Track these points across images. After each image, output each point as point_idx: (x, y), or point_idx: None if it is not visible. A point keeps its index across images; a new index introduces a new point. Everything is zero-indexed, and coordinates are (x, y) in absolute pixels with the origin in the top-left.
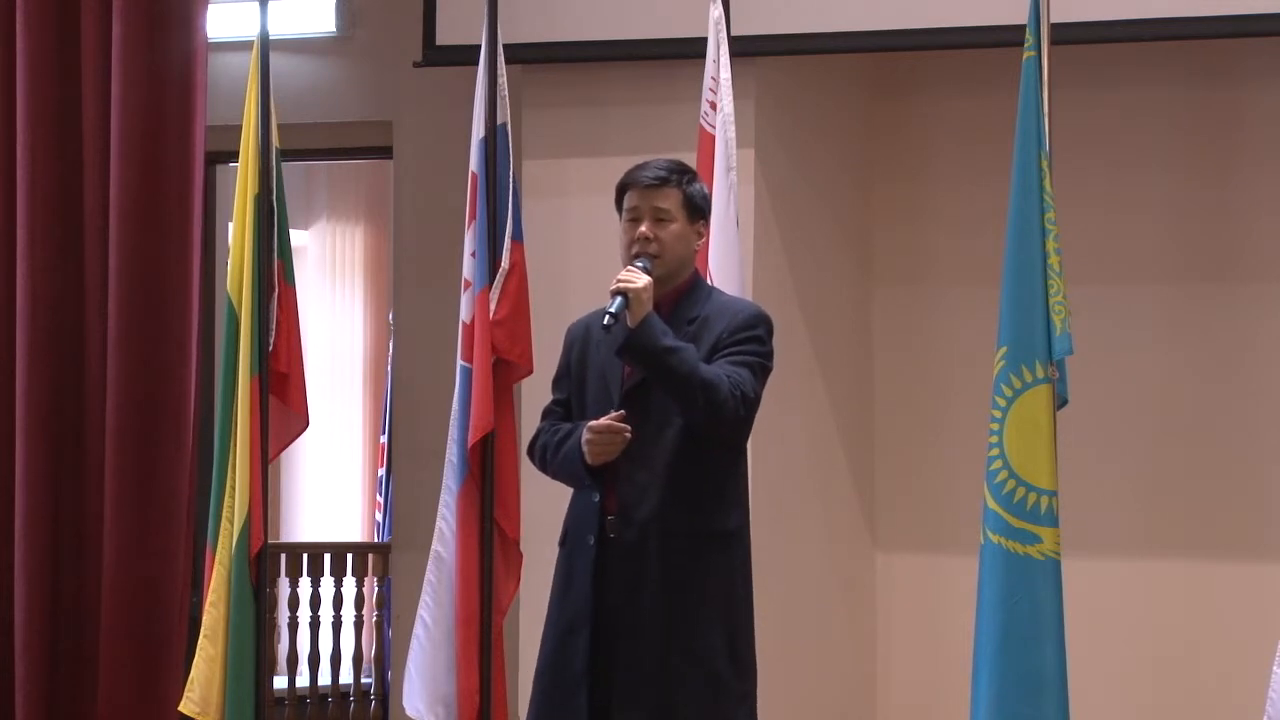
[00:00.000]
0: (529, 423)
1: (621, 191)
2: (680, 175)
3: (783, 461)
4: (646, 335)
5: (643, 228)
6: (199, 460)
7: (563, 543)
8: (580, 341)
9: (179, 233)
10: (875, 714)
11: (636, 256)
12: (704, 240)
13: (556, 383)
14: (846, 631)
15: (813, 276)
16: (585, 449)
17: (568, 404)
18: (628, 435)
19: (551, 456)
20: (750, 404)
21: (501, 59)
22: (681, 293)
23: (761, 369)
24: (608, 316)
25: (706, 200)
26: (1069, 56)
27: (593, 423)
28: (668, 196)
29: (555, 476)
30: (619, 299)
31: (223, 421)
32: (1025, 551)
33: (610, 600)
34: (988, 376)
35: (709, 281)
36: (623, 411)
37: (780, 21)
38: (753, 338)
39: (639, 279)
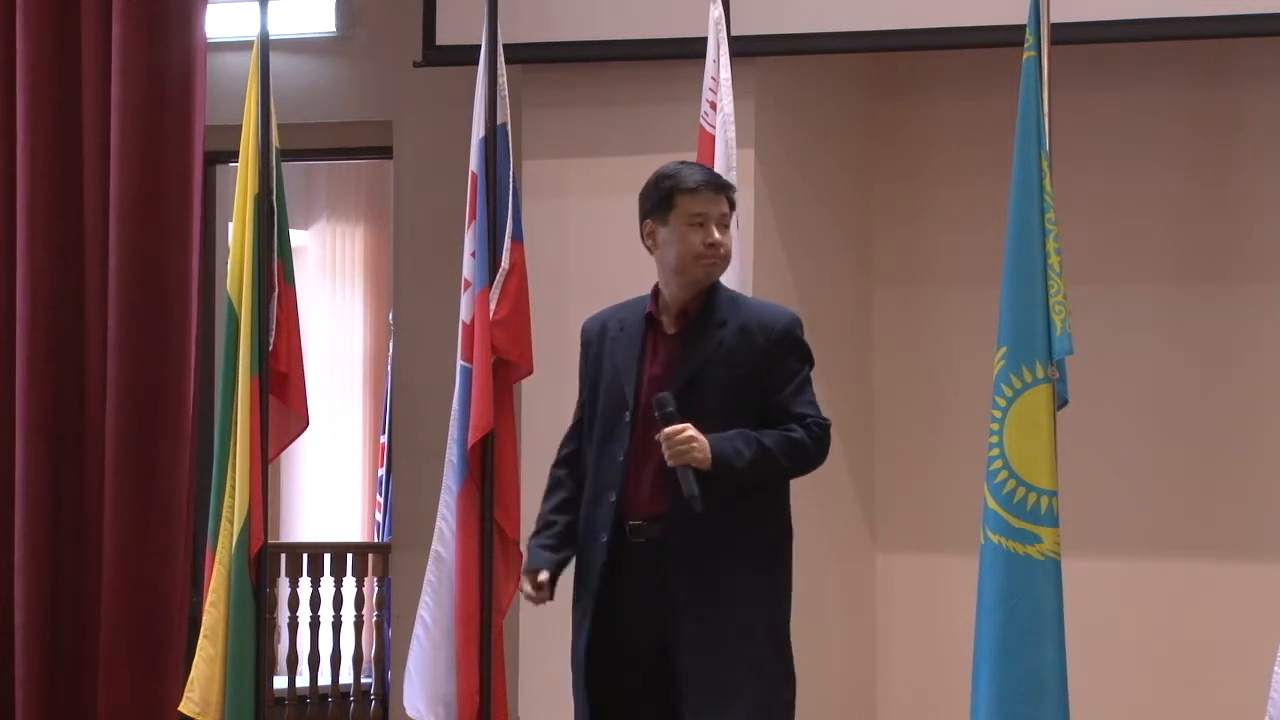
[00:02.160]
0: (529, 423)
1: (673, 193)
2: (729, 185)
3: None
4: (728, 473)
5: (716, 234)
6: (199, 460)
7: (579, 540)
8: (595, 341)
9: (179, 233)
10: (875, 714)
11: (704, 260)
12: None
13: (580, 388)
14: (846, 631)
15: (813, 276)
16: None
17: (584, 409)
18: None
19: (538, 521)
20: (826, 427)
21: (501, 59)
22: (706, 295)
23: (810, 377)
24: (693, 500)
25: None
26: (1069, 56)
27: (525, 584)
28: (726, 204)
29: None
30: (690, 474)
31: (223, 421)
32: (1025, 551)
33: (640, 602)
34: (988, 377)
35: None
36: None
37: (780, 21)
38: (799, 354)
39: (698, 447)
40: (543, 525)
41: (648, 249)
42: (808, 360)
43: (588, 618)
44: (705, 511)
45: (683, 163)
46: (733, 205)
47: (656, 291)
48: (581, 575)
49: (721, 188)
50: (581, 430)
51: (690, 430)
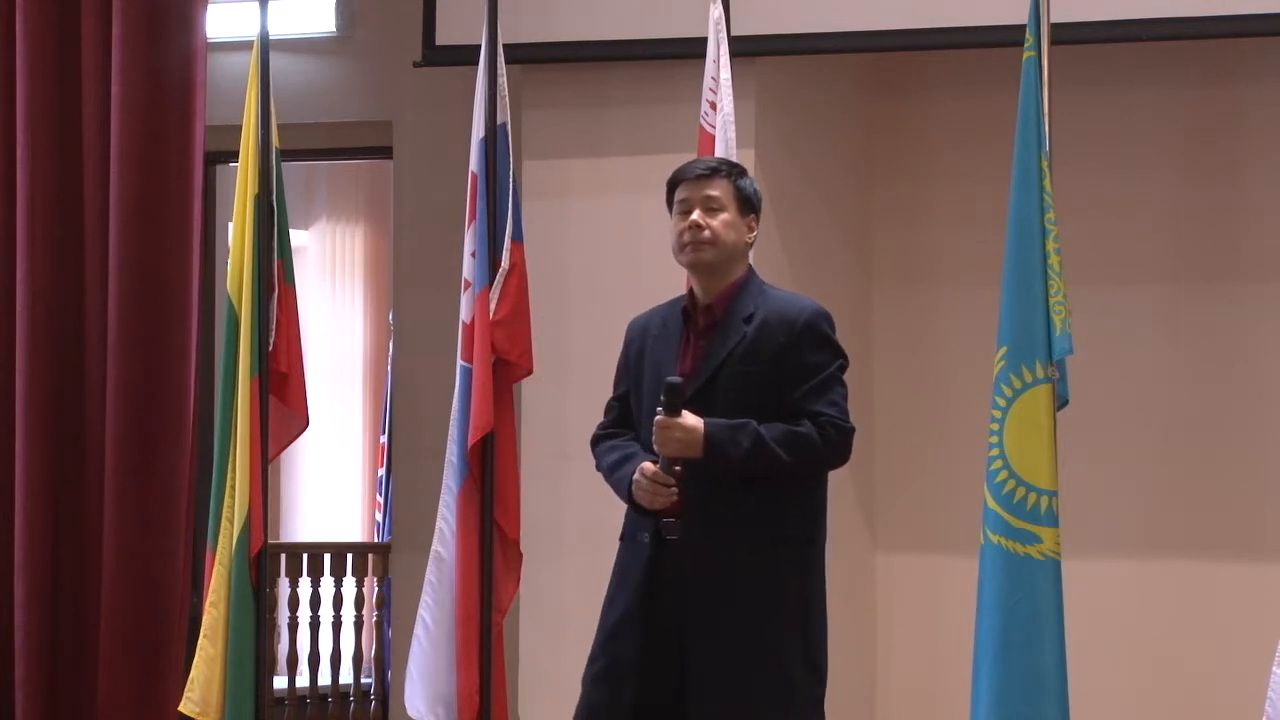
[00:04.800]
0: (529, 423)
1: (672, 188)
2: (731, 168)
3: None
4: (722, 462)
5: (695, 215)
6: (199, 460)
7: (622, 538)
8: (639, 338)
9: (179, 233)
10: (875, 714)
11: (687, 245)
12: (755, 236)
13: (616, 380)
14: (846, 631)
15: (813, 276)
16: (633, 487)
17: (626, 400)
18: (675, 495)
19: (606, 474)
20: (845, 431)
21: (501, 59)
22: (737, 288)
23: (840, 377)
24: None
25: (758, 196)
26: (1069, 56)
27: (645, 465)
28: (718, 186)
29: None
30: (669, 464)
31: (223, 421)
32: (1025, 552)
33: (668, 602)
34: (988, 376)
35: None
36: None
37: (780, 21)
38: (823, 349)
39: (680, 437)
40: (618, 450)
41: None
42: (837, 357)
43: (636, 619)
44: (720, 507)
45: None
46: (739, 189)
47: (691, 288)
48: (623, 572)
49: (709, 171)
50: (618, 421)
51: (678, 421)
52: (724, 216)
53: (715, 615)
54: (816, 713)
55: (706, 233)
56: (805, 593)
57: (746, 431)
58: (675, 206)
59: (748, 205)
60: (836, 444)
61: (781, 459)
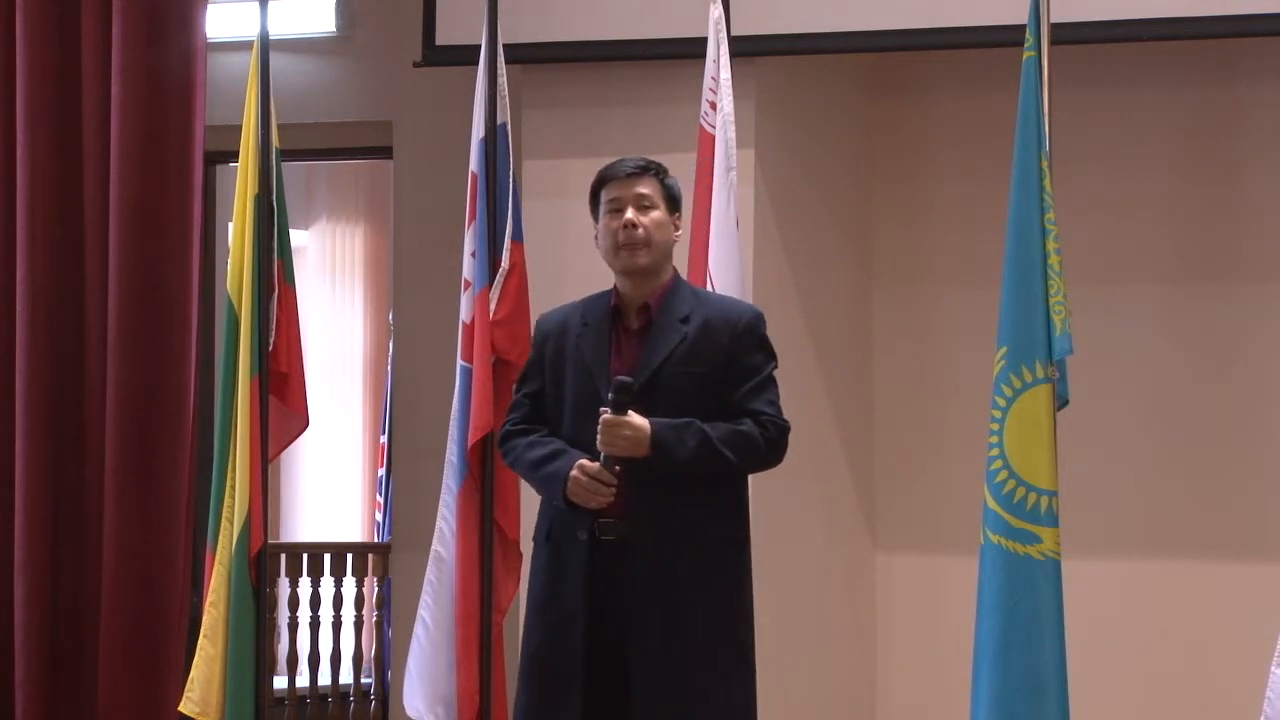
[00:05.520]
0: None
1: (598, 188)
2: (657, 166)
3: (783, 462)
4: (669, 461)
5: (629, 214)
6: (199, 460)
7: (547, 538)
8: (555, 336)
9: (179, 233)
10: (875, 714)
11: (622, 247)
12: (679, 235)
13: (525, 377)
14: (846, 631)
15: (813, 276)
16: (569, 485)
17: (537, 396)
18: (613, 495)
19: (527, 470)
20: (784, 429)
21: (501, 59)
22: (669, 288)
23: (774, 377)
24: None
25: (680, 194)
26: (1069, 56)
27: (584, 463)
28: (648, 184)
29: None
30: (613, 463)
31: (223, 421)
32: (1025, 552)
33: (609, 601)
34: (988, 376)
35: (709, 282)
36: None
37: (780, 21)
38: (762, 350)
39: (627, 435)
40: (542, 446)
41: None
42: (771, 358)
43: (580, 617)
44: (662, 507)
45: (615, 160)
46: (667, 188)
47: (617, 287)
48: (558, 574)
49: (639, 170)
50: (531, 417)
51: (627, 419)
52: (655, 215)
53: (658, 615)
54: (753, 704)
55: (641, 231)
56: (741, 591)
57: (692, 431)
58: (605, 206)
59: (674, 204)
60: (776, 442)
61: (727, 458)
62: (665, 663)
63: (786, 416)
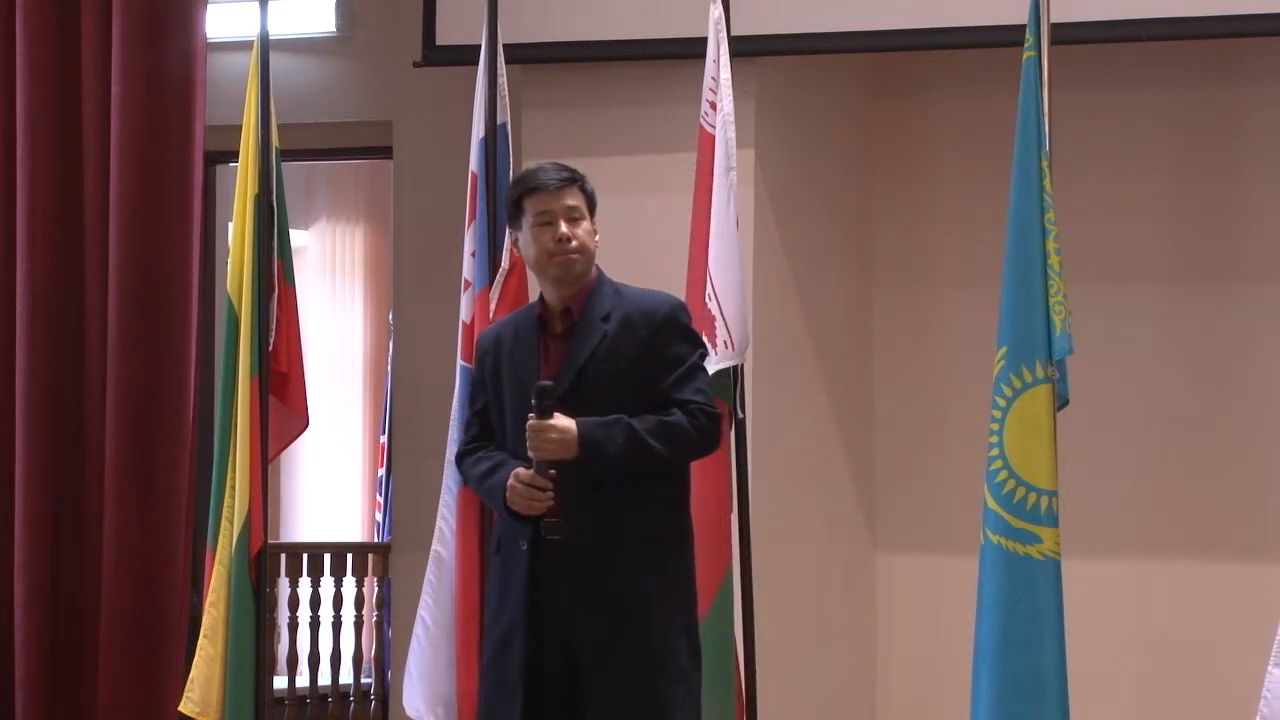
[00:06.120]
0: None
1: (520, 198)
2: (579, 174)
3: (783, 462)
4: (599, 459)
5: (563, 229)
6: (199, 460)
7: (496, 550)
8: (493, 351)
9: (179, 233)
10: (875, 714)
11: (556, 257)
12: (599, 239)
13: (473, 396)
14: (846, 631)
15: (813, 276)
16: (508, 494)
17: (485, 414)
18: (550, 499)
19: (476, 486)
20: (714, 416)
21: (501, 59)
22: (590, 290)
23: (703, 365)
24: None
25: (597, 199)
26: (1069, 56)
27: (519, 470)
28: (575, 195)
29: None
30: (545, 466)
31: (223, 421)
32: (1025, 552)
33: (557, 603)
34: (988, 376)
35: (709, 282)
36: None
37: (780, 21)
38: (685, 340)
39: (555, 439)
40: (486, 461)
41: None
42: (697, 347)
43: (521, 627)
44: (601, 505)
45: (535, 165)
46: (588, 195)
47: (542, 296)
48: (505, 587)
49: (565, 181)
50: (480, 436)
51: (551, 423)
52: (585, 225)
53: (606, 613)
54: (697, 694)
55: (574, 243)
56: (686, 583)
57: (620, 427)
58: (534, 218)
59: (594, 210)
60: (707, 430)
61: (657, 450)
62: (614, 660)
63: (786, 416)
